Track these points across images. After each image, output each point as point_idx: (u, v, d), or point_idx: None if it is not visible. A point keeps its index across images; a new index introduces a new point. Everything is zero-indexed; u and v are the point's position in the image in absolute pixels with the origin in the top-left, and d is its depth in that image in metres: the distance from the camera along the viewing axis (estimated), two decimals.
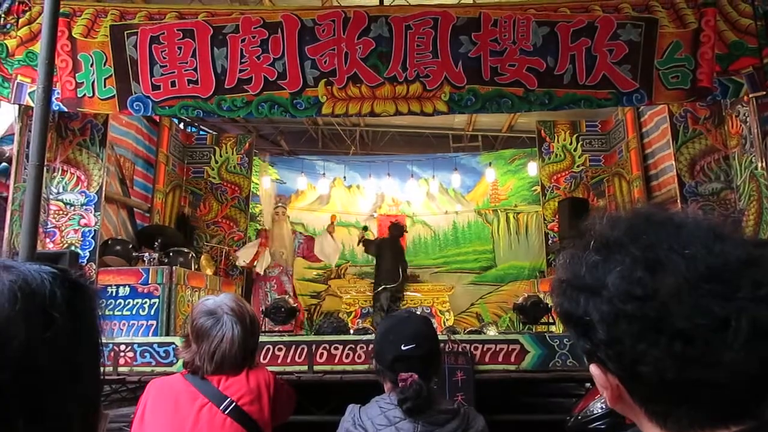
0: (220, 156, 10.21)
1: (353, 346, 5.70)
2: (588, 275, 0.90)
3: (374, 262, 10.43)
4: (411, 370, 2.16)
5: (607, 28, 6.10)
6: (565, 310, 0.94)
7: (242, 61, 6.25)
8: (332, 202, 11.83)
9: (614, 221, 0.94)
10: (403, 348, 2.18)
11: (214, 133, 11.69)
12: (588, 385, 5.78)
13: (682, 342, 0.81)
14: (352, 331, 6.58)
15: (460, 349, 5.54)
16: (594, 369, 0.93)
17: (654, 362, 0.83)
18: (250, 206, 10.43)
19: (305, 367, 5.64)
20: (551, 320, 7.00)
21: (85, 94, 6.30)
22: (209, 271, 8.49)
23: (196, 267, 8.03)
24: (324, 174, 11.74)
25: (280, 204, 9.49)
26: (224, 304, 2.34)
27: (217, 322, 2.30)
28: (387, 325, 2.35)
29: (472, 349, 5.60)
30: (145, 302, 6.74)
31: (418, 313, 2.84)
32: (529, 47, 6.14)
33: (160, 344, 5.79)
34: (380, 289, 9.88)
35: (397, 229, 10.44)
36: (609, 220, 0.95)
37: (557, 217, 9.36)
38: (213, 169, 10.14)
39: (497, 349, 5.66)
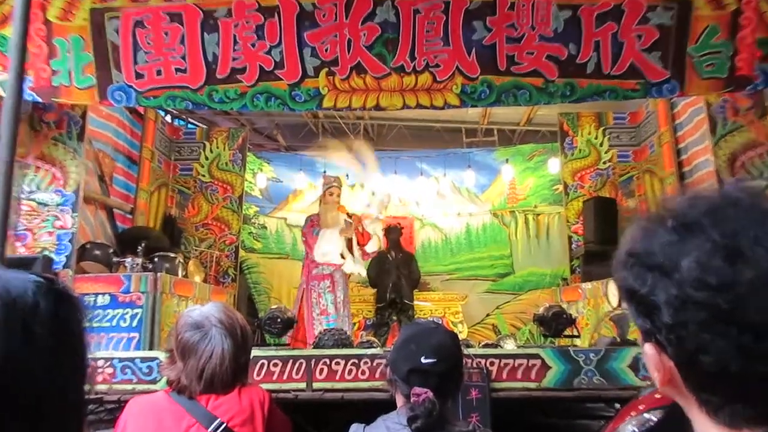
0: (211, 152, 10.24)
1: (356, 361, 5.68)
2: (660, 254, 0.93)
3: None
4: (427, 386, 2.15)
5: (635, 11, 6.07)
6: (629, 286, 0.96)
7: (235, 48, 6.25)
8: None
9: (694, 199, 0.96)
10: (423, 361, 2.17)
11: (204, 126, 11.69)
12: (617, 405, 5.76)
13: (752, 336, 0.84)
14: (355, 345, 6.57)
15: (474, 365, 5.52)
16: (648, 348, 0.96)
17: (717, 353, 0.86)
18: (244, 207, 10.45)
19: (303, 384, 5.62)
20: (575, 333, 6.98)
21: (61, 83, 6.31)
22: (198, 279, 8.50)
23: (184, 274, 8.04)
24: (325, 171, 11.72)
25: (334, 183, 9.13)
26: (212, 316, 2.33)
27: (204, 336, 2.30)
28: (409, 333, 2.34)
29: (487, 365, 5.58)
30: (127, 313, 6.73)
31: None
32: (550, 33, 6.11)
33: (143, 359, 5.77)
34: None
35: (394, 231, 10.50)
36: (689, 196, 0.97)
37: (581, 218, 9.34)
38: (203, 166, 10.17)
39: (516, 365, 5.64)
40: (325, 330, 6.84)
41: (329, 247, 8.56)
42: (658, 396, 1.64)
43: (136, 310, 6.74)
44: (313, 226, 8.66)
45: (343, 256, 8.53)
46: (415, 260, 10.70)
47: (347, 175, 11.82)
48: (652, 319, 0.93)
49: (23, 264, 5.77)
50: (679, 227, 0.93)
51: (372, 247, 8.83)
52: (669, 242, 0.92)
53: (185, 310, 2.47)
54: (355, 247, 8.68)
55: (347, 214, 8.73)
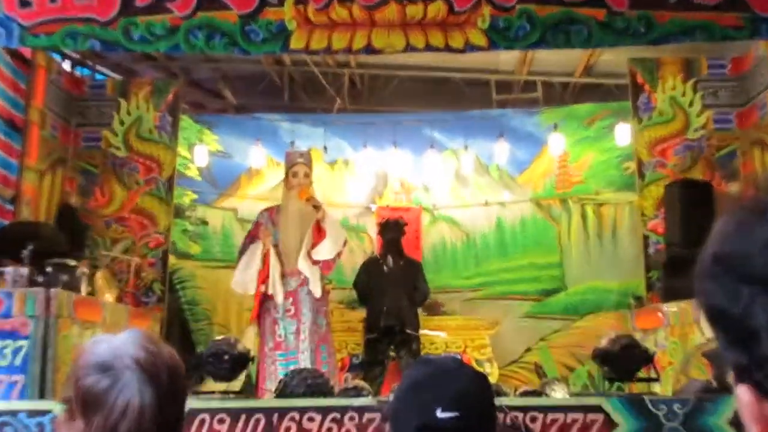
0: (128, 114, 10.21)
1: (338, 416, 5.70)
2: (760, 259, 0.91)
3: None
4: None
5: None
6: (715, 304, 0.96)
7: None
8: None
9: None
10: (439, 415, 2.14)
11: (119, 77, 11.66)
12: None
13: None
14: (336, 392, 6.58)
15: (509, 421, 5.53)
16: (743, 392, 0.96)
17: None
18: (176, 194, 10.42)
19: None
20: (653, 374, 6.98)
21: None
22: (110, 297, 8.49)
23: (90, 290, 8.02)
24: (293, 142, 11.73)
25: (299, 160, 9.02)
26: (125, 352, 2.30)
27: (114, 382, 2.27)
28: (419, 376, 2.32)
29: (527, 421, 5.59)
30: (7, 346, 6.72)
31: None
32: None
33: (31, 413, 5.77)
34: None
35: (394, 227, 10.48)
36: None
37: (663, 211, 9.33)
38: (117, 135, 10.15)
39: (568, 421, 5.66)
40: (292, 371, 6.84)
41: (247, 271, 8.55)
42: None
43: (20, 343, 6.73)
44: (255, 234, 8.66)
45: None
46: (422, 270, 10.68)
47: (325, 148, 11.82)
48: (748, 351, 0.92)
49: None
50: None
51: (324, 252, 8.73)
52: None
53: (88, 343, 2.45)
54: (302, 254, 8.58)
55: (307, 199, 8.61)
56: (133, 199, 9.99)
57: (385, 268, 10.31)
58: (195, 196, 11.77)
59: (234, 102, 13.56)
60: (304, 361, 8.21)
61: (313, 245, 8.67)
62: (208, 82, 13.44)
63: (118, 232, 9.88)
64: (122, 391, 2.25)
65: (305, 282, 8.58)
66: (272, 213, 8.89)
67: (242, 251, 8.78)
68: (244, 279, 8.56)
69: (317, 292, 8.66)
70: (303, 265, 8.59)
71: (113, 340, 2.37)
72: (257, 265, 8.47)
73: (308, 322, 8.52)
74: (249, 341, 8.20)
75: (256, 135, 11.86)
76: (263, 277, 8.46)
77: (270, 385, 7.86)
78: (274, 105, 13.30)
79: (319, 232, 8.67)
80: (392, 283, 10.14)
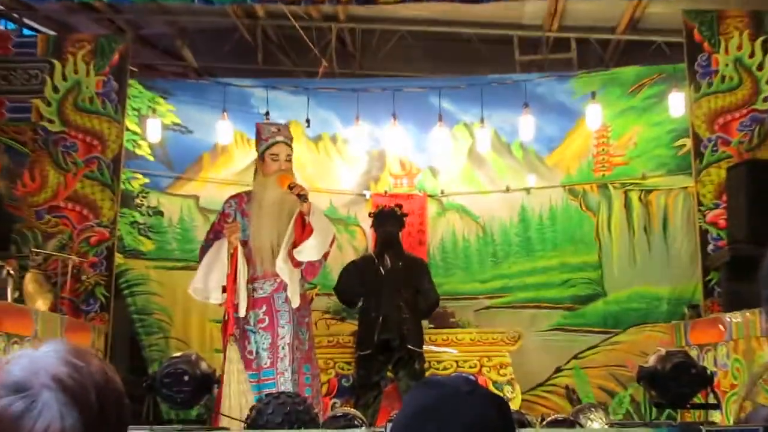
0: (64, 79, 10.21)
1: None
2: None
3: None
4: None
5: None
6: None
7: None
8: None
9: None
10: None
11: (52, 32, 11.64)
12: None
13: None
14: (322, 422, 6.59)
15: None
16: None
17: None
18: (123, 178, 10.41)
19: None
20: (712, 400, 6.98)
21: None
22: (42, 304, 8.48)
23: (17, 295, 8.02)
24: (267, 114, 11.72)
25: (278, 137, 8.83)
26: (43, 368, 2.27)
27: (31, 405, 2.24)
28: (423, 401, 2.26)
29: None
30: None
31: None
32: None
33: None
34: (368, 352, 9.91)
35: (390, 218, 10.43)
36: None
37: (725, 199, 9.32)
38: (49, 105, 10.14)
39: None
40: (267, 396, 6.83)
41: (210, 275, 8.46)
42: None
43: None
44: (220, 228, 8.56)
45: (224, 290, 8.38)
46: (427, 272, 10.67)
47: (307, 121, 11.80)
48: None
49: None
50: None
51: (309, 253, 8.62)
52: None
53: (4, 360, 2.42)
54: (282, 254, 8.45)
55: (290, 186, 8.44)
56: (71, 185, 9.97)
57: (381, 269, 10.27)
58: (147, 181, 11.73)
59: (195, 64, 13.56)
60: (284, 384, 8.12)
61: (296, 243, 8.57)
62: (163, 40, 13.45)
63: (51, 225, 9.88)
64: (41, 414, 2.21)
65: (282, 286, 8.49)
66: (242, 201, 8.77)
67: (204, 249, 8.68)
68: (206, 285, 8.44)
69: (295, 301, 8.57)
70: (283, 267, 8.48)
71: (33, 355, 2.34)
72: (223, 267, 8.37)
73: (288, 336, 8.42)
74: (235, 365, 8.14)
75: (222, 105, 11.80)
76: (232, 282, 8.37)
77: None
78: (244, 68, 13.31)
79: (303, 228, 8.55)
80: (390, 288, 10.09)
